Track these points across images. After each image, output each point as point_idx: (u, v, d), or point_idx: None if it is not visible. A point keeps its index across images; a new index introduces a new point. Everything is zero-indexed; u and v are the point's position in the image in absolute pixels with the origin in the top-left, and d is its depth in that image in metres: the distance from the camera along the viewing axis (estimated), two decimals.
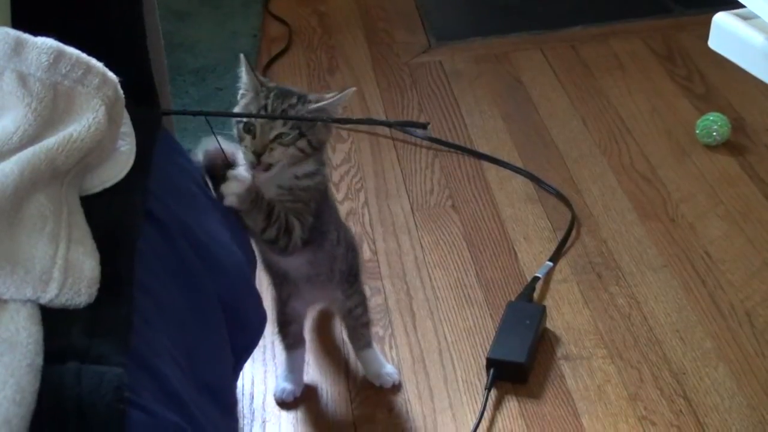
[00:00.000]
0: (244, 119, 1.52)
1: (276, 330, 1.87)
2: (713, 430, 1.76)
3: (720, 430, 1.76)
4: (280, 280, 1.78)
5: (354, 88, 1.57)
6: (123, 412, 0.99)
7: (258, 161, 1.51)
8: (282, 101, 1.52)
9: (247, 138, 1.51)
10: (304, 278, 1.75)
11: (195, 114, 1.55)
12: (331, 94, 1.56)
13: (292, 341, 1.87)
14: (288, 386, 1.87)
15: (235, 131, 1.54)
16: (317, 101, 1.55)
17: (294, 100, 1.53)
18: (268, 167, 1.53)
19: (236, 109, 1.56)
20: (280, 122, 1.50)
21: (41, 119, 1.21)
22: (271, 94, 1.52)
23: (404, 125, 1.82)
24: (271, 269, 1.77)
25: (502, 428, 1.80)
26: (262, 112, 1.50)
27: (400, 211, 2.36)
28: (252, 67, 1.56)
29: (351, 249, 1.81)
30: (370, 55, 3.02)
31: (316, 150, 1.56)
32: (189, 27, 3.16)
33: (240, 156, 1.55)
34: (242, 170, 1.53)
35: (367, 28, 3.18)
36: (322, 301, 1.90)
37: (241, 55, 1.56)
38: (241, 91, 1.58)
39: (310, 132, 1.53)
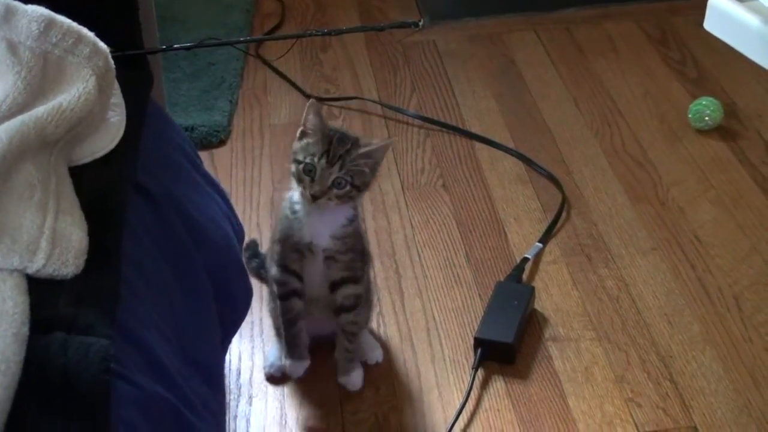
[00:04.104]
0: (305, 161, 1.61)
1: (274, 330, 1.89)
2: (699, 413, 1.76)
3: (705, 413, 1.76)
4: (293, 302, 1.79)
5: (393, 140, 1.72)
6: (108, 383, 0.99)
7: (313, 202, 1.62)
8: (342, 145, 1.62)
9: (306, 180, 1.62)
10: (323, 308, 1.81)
11: (188, 48, 1.59)
12: (375, 141, 1.67)
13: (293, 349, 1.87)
14: (277, 362, 1.87)
15: (293, 169, 1.64)
16: (365, 146, 1.64)
17: (349, 145, 1.63)
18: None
19: (297, 147, 1.65)
20: (337, 167, 1.60)
21: (30, 88, 1.20)
22: (335, 138, 1.62)
23: (396, 27, 1.86)
24: (292, 294, 1.78)
25: (489, 408, 1.80)
26: (325, 155, 1.60)
27: (390, 189, 2.36)
28: (321, 112, 1.65)
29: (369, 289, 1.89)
30: (363, 33, 3.01)
31: (361, 193, 1.67)
32: (182, 1, 3.14)
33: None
34: (289, 365, 1.81)
35: (360, 6, 3.16)
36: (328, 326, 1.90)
37: (313, 100, 1.65)
38: (301, 129, 1.65)
39: (359, 179, 1.63)
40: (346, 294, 1.76)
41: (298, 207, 1.69)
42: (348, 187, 1.63)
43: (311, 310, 1.81)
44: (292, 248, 1.72)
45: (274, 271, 1.76)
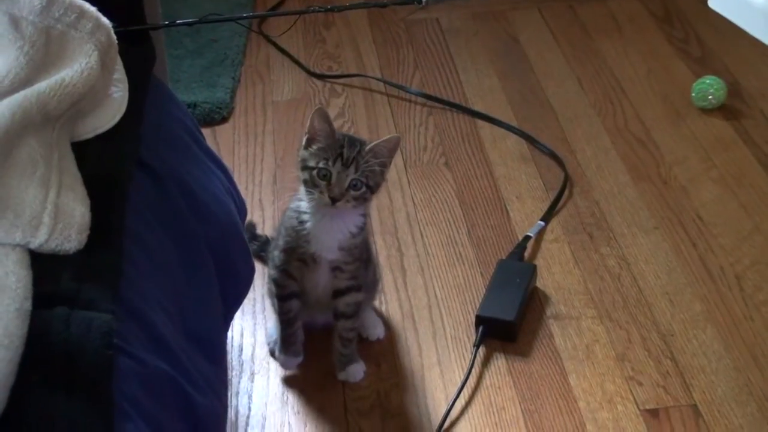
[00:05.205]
0: (319, 166, 1.61)
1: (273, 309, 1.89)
2: (699, 391, 1.77)
3: (706, 391, 1.77)
4: (295, 300, 1.80)
5: (399, 135, 1.70)
6: (111, 358, 0.99)
7: (332, 205, 1.63)
8: (353, 147, 1.63)
9: (323, 184, 1.62)
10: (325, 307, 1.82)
11: (190, 24, 1.58)
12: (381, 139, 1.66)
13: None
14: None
15: (305, 176, 1.64)
16: (369, 144, 1.65)
17: (359, 147, 1.64)
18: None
19: (305, 154, 1.65)
20: (353, 169, 1.61)
21: (33, 63, 1.20)
22: (345, 141, 1.63)
23: (398, 3, 1.86)
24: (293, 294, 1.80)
25: (490, 385, 1.80)
26: (339, 158, 1.61)
27: (393, 167, 2.33)
28: (329, 118, 1.65)
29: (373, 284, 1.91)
30: (366, 9, 3.00)
31: (374, 193, 1.67)
32: None
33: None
34: (282, 359, 1.84)
35: None
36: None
37: (320, 107, 1.65)
38: (307, 136, 1.65)
39: (372, 180, 1.64)
40: (348, 302, 1.78)
41: (306, 217, 1.69)
42: (363, 189, 1.63)
43: (312, 313, 1.84)
44: (297, 258, 1.73)
45: (273, 273, 1.78)
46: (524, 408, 1.76)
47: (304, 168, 1.64)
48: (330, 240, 1.70)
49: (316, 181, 1.62)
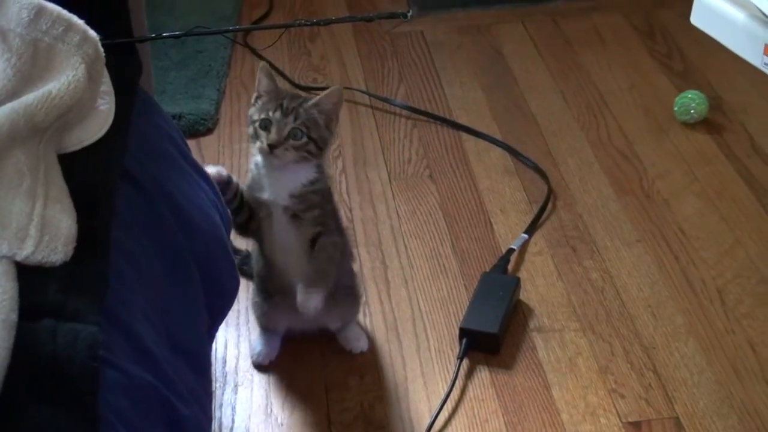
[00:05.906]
0: (261, 117, 1.67)
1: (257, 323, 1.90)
2: (681, 404, 1.78)
3: (688, 404, 1.78)
4: (274, 287, 1.82)
5: (340, 87, 1.74)
6: (97, 370, 0.99)
7: (271, 152, 1.66)
8: (295, 99, 1.69)
9: (263, 134, 1.66)
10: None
11: (176, 36, 1.61)
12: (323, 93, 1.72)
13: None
14: (264, 349, 1.88)
15: (251, 131, 1.70)
16: (312, 99, 1.70)
17: (300, 101, 1.69)
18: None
19: (252, 111, 1.71)
20: (292, 118, 1.66)
21: (20, 75, 1.20)
22: (287, 96, 1.70)
23: (384, 17, 1.90)
24: (271, 279, 1.82)
25: (473, 398, 1.81)
26: (279, 108, 1.66)
27: (377, 179, 2.37)
28: (273, 75, 1.72)
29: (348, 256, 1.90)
30: (351, 23, 3.01)
31: (321, 150, 1.70)
32: None
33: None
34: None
35: None
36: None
37: (264, 63, 1.72)
38: (255, 95, 1.72)
39: (315, 132, 1.67)
40: (323, 244, 1.75)
41: (261, 167, 1.73)
42: (305, 139, 1.66)
43: (291, 304, 1.81)
44: (255, 200, 1.74)
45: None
46: (507, 420, 1.77)
47: (251, 123, 1.69)
48: (280, 187, 1.71)
49: (258, 131, 1.67)
